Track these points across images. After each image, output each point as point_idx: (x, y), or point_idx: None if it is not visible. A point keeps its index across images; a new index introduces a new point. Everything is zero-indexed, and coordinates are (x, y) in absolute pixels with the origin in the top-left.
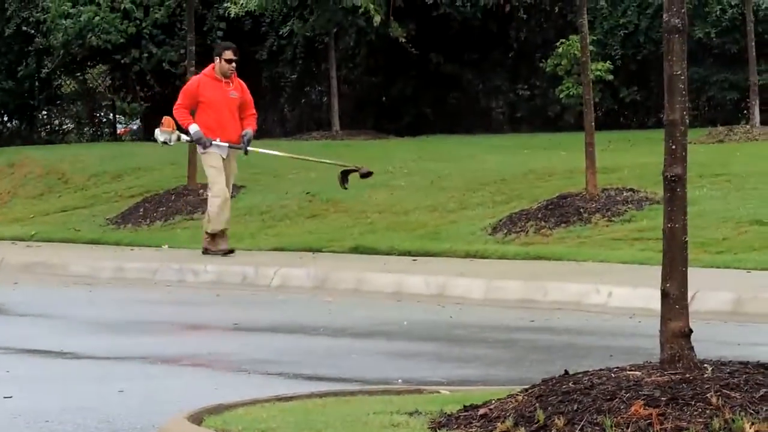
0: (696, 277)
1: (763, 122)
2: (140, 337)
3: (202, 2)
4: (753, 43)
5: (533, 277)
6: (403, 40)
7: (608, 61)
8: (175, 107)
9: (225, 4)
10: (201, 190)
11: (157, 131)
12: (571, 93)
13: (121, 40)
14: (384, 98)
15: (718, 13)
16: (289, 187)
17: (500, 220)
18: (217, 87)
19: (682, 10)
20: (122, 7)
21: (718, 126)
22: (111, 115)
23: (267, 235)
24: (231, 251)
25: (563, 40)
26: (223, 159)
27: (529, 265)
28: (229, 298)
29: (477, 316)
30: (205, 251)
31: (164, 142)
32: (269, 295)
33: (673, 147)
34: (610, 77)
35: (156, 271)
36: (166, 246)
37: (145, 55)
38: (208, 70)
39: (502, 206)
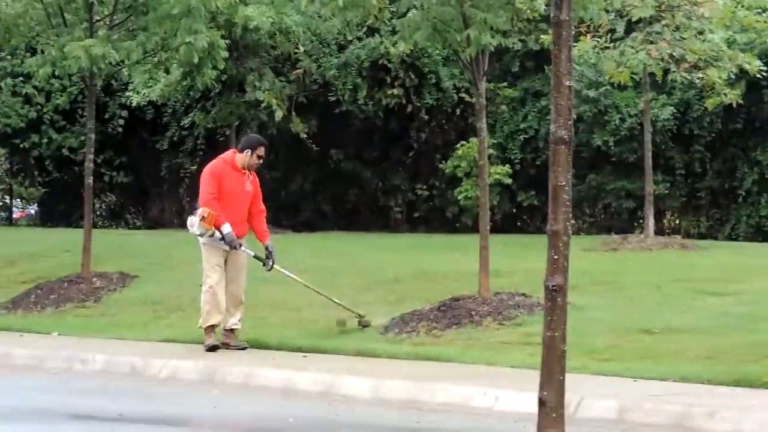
0: (583, 384)
1: (657, 232)
2: (24, 426)
3: (105, 90)
4: (650, 153)
5: (422, 378)
6: (305, 135)
7: (507, 165)
8: (208, 197)
9: (127, 93)
10: (94, 279)
11: (195, 222)
12: (469, 195)
13: (21, 125)
14: (283, 193)
15: (617, 122)
16: (182, 278)
17: (392, 320)
18: (237, 178)
19: (569, 122)
20: (24, 92)
21: (612, 234)
22: (8, 198)
23: (159, 326)
24: (215, 347)
25: (463, 143)
26: (227, 252)
27: (418, 366)
28: (116, 389)
29: (363, 415)
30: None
31: (200, 235)
32: (157, 386)
33: (555, 257)
34: (509, 181)
35: (44, 358)
36: (56, 333)
37: (45, 140)
38: (228, 158)
39: (394, 305)
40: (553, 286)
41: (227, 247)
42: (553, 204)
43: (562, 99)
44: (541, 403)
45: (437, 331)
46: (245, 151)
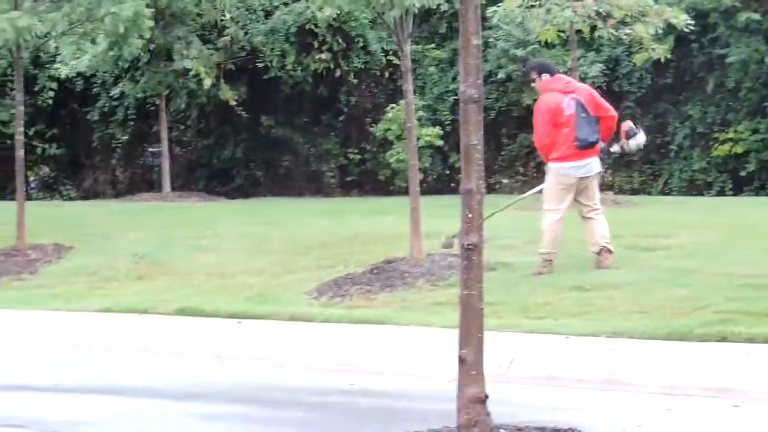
0: (515, 342)
1: None
2: None
3: (33, 62)
4: None
5: (355, 341)
6: (234, 103)
7: (438, 127)
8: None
9: (55, 65)
10: (29, 251)
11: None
12: (401, 158)
13: None
14: (215, 160)
15: None
16: (117, 248)
17: (325, 284)
18: None
19: (478, 81)
20: None
21: None
22: None
23: (94, 296)
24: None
25: (393, 105)
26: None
27: (352, 329)
28: (53, 359)
29: (296, 379)
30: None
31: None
32: (92, 356)
33: (470, 216)
34: (440, 143)
35: None
36: None
37: None
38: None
39: (327, 270)
40: (468, 244)
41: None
42: (465, 163)
43: (471, 58)
44: (461, 361)
45: (371, 294)
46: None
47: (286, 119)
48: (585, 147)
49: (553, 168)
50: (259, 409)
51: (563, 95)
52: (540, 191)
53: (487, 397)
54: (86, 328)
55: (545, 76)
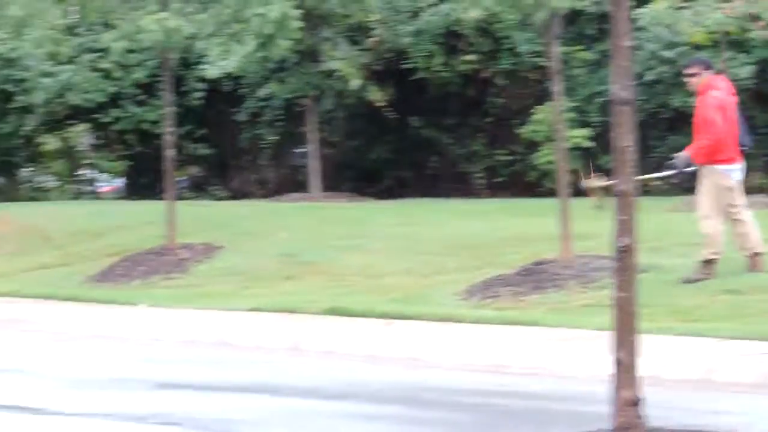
0: (667, 344)
1: None
2: (111, 394)
3: (182, 63)
4: None
5: (506, 342)
6: (382, 103)
7: (587, 128)
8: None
9: (203, 66)
10: (179, 250)
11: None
12: (549, 159)
13: (102, 99)
14: (363, 161)
15: None
16: (267, 248)
17: (475, 285)
18: None
19: (630, 83)
20: (102, 67)
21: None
22: (92, 172)
23: (244, 296)
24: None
25: (540, 107)
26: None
27: (502, 330)
28: (203, 358)
29: (448, 379)
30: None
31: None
32: (243, 355)
33: (623, 218)
34: (589, 144)
35: (131, 329)
36: (144, 304)
37: (126, 114)
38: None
39: (477, 271)
40: (621, 246)
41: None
42: (618, 165)
43: (622, 60)
44: (616, 363)
45: (520, 296)
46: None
47: (433, 120)
48: (744, 151)
49: (718, 170)
50: (411, 409)
51: (728, 96)
52: (672, 176)
53: (641, 399)
54: (236, 327)
55: (708, 73)
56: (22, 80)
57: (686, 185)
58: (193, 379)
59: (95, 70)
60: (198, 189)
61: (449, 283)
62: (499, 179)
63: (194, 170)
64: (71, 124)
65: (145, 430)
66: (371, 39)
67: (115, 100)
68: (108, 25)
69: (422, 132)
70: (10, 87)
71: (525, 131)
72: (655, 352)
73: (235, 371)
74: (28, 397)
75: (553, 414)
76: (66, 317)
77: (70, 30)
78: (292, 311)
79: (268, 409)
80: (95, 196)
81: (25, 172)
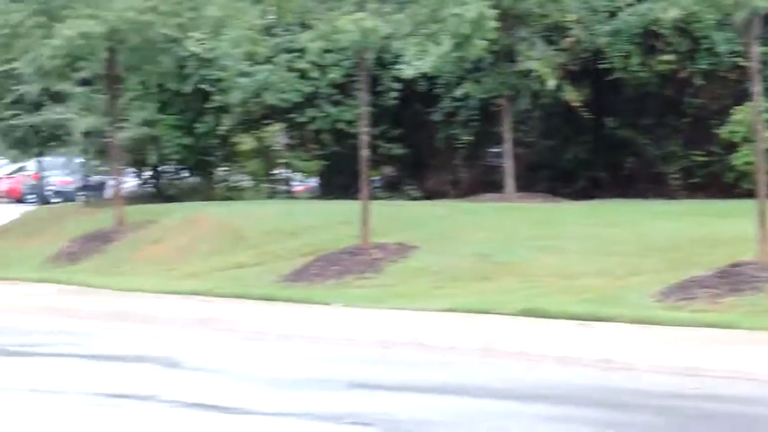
0: None
1: None
2: (306, 395)
3: (377, 63)
4: None
5: (702, 345)
6: (577, 104)
7: None
8: None
9: (399, 66)
10: (373, 250)
11: None
12: (748, 160)
13: (298, 99)
14: (558, 162)
15: None
16: (461, 248)
17: (670, 287)
18: None
19: None
20: (299, 67)
21: None
22: (287, 172)
23: (437, 296)
24: None
25: (739, 107)
26: None
27: (698, 333)
28: (398, 358)
29: (642, 382)
30: None
31: None
32: (438, 355)
33: None
34: None
35: (325, 329)
36: (338, 304)
37: (321, 114)
38: None
39: (672, 272)
40: None
41: None
42: None
43: None
44: None
45: (717, 298)
46: None
47: (629, 120)
48: None
49: None
50: (606, 412)
51: None
52: None
53: None
54: (430, 328)
55: None
56: (219, 80)
57: None
58: (386, 380)
59: (291, 70)
60: (392, 189)
61: (644, 284)
62: (696, 180)
63: (388, 170)
64: (267, 124)
65: (339, 429)
66: (568, 39)
67: (310, 100)
68: (305, 26)
69: (618, 132)
70: (207, 87)
71: (723, 132)
72: None
73: (427, 372)
74: (222, 396)
75: (749, 418)
76: (260, 317)
77: (267, 30)
78: (485, 312)
79: (461, 411)
80: (290, 195)
81: (220, 171)
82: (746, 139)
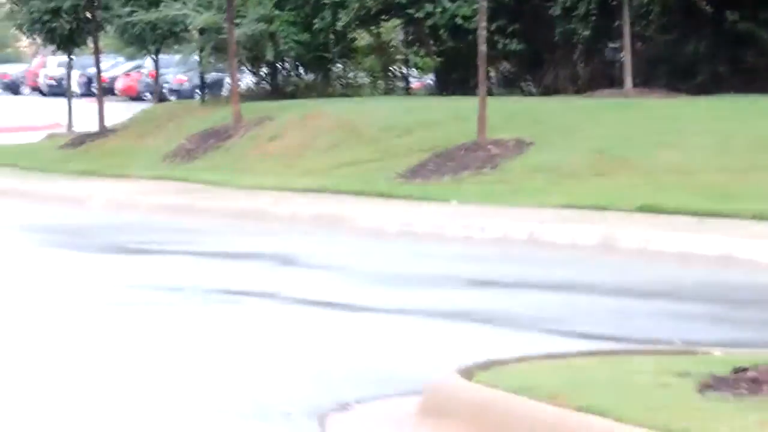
0: None
1: None
2: (424, 292)
3: None
4: None
5: None
6: None
7: None
8: None
9: None
10: (490, 146)
11: None
12: None
13: None
14: (677, 57)
15: None
16: (578, 144)
17: None
18: None
19: None
20: None
21: None
22: (404, 69)
23: (554, 192)
24: None
25: None
26: None
27: None
28: (514, 255)
29: (763, 279)
30: None
31: None
32: (554, 252)
33: None
34: None
35: (443, 226)
36: (455, 201)
37: (438, 9)
38: None
39: None
40: None
41: None
42: None
43: None
44: None
45: None
46: None
47: (750, 14)
48: None
49: None
50: (726, 308)
51: None
52: None
53: None
54: (547, 224)
55: None
56: None
57: None
58: (503, 277)
59: None
60: (509, 85)
61: (764, 180)
62: None
63: (506, 66)
64: (384, 20)
65: (456, 326)
66: None
67: None
68: None
69: (739, 26)
70: None
71: None
72: None
73: (545, 268)
74: (340, 293)
75: None
76: (377, 213)
77: None
78: (603, 208)
79: (579, 307)
80: (406, 92)
81: (337, 68)
82: None
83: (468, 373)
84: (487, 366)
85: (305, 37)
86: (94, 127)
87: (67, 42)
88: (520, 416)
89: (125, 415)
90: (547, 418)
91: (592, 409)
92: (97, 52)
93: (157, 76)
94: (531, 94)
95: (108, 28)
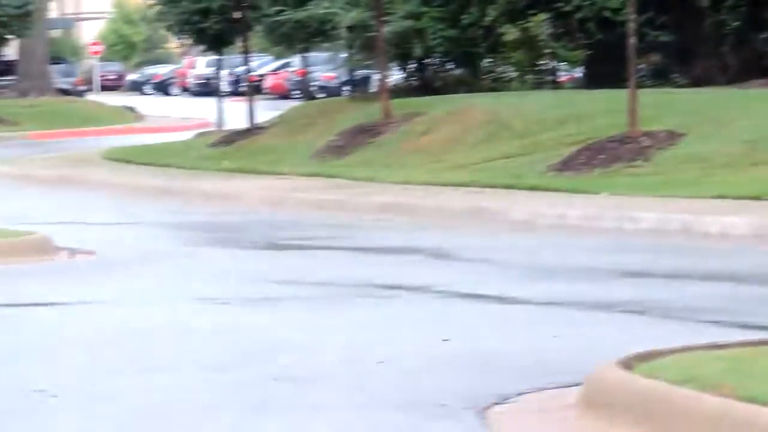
0: None
1: None
2: (576, 284)
3: None
4: None
5: None
6: None
7: None
8: None
9: None
10: (641, 138)
11: None
12: None
13: None
14: None
15: None
16: (730, 134)
17: None
18: None
19: None
20: None
21: None
22: (552, 62)
23: (707, 183)
24: None
25: None
26: None
27: None
28: (667, 246)
29: None
30: None
31: None
32: (708, 243)
33: None
34: None
35: (594, 218)
36: (606, 193)
37: (587, 2)
38: None
39: None
40: None
41: None
42: None
43: None
44: None
45: None
46: None
47: None
48: None
49: None
50: None
51: None
52: None
53: None
54: (701, 215)
55: None
56: None
57: None
58: (657, 268)
59: None
60: (659, 76)
61: None
62: None
63: (655, 58)
64: (532, 14)
65: (611, 318)
66: None
67: None
68: None
69: None
70: None
71: None
72: None
73: (699, 259)
74: (494, 286)
75: None
76: (528, 206)
77: None
78: (757, 198)
79: (735, 297)
80: (555, 85)
81: (486, 62)
82: None
83: (627, 364)
84: (646, 357)
85: (453, 32)
86: (243, 126)
87: (216, 42)
88: (684, 407)
89: (284, 403)
90: (711, 409)
91: (758, 400)
92: (246, 52)
93: (305, 74)
94: (681, 86)
95: (256, 27)
